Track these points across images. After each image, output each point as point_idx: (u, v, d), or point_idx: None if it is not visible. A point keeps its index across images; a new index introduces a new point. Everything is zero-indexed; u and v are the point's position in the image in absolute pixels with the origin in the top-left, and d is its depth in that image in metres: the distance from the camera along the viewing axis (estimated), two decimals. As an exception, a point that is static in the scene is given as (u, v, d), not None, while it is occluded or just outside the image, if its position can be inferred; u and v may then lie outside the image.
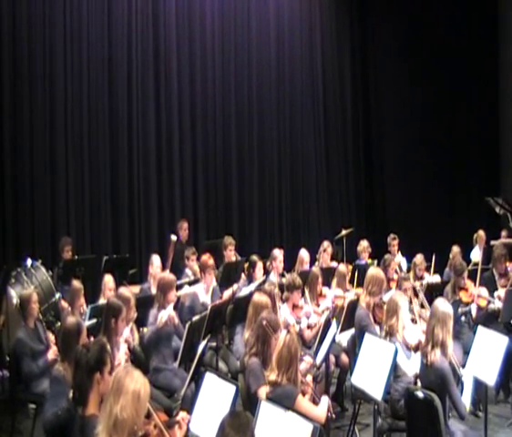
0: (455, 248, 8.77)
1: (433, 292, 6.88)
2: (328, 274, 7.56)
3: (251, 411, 3.61)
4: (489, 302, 6.69)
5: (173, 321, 5.53)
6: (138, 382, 3.07)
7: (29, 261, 6.92)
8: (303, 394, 4.23)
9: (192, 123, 10.72)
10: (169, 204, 10.42)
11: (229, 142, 11.16)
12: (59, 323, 6.24)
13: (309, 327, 6.20)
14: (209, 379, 3.87)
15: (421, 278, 8.00)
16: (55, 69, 9.27)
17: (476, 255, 9.43)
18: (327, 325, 5.24)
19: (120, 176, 9.86)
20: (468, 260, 8.98)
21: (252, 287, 6.89)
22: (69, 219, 9.32)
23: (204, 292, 6.80)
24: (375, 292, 5.91)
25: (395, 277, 7.64)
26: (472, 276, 6.90)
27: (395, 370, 4.79)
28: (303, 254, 8.16)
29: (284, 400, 3.88)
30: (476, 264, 7.65)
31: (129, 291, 5.60)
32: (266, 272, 7.63)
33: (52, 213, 9.20)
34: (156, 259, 7.41)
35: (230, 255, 8.41)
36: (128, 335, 5.19)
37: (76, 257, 8.06)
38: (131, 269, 8.53)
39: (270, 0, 11.64)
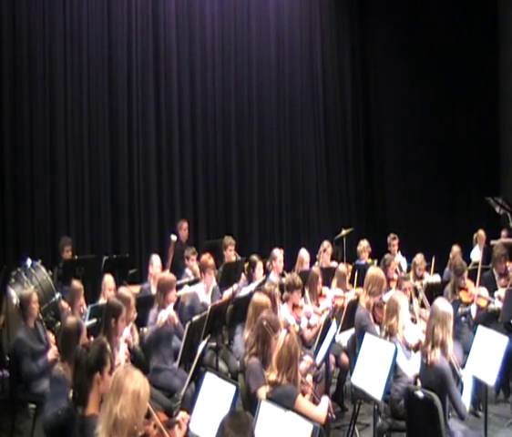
0: (456, 248, 8.77)
1: (433, 292, 6.87)
2: (328, 274, 7.56)
3: (251, 411, 3.61)
4: (489, 302, 6.69)
5: (173, 321, 5.53)
6: (137, 382, 3.07)
7: (29, 261, 6.92)
8: (303, 394, 4.23)
9: (192, 123, 10.72)
10: (169, 204, 10.42)
11: (229, 142, 11.16)
12: (59, 323, 6.24)
13: (309, 327, 6.20)
14: (209, 379, 3.87)
15: (421, 277, 7.99)
16: (55, 69, 9.27)
17: (476, 255, 9.43)
18: (327, 325, 5.24)
19: (120, 176, 9.87)
20: (468, 260, 8.98)
21: (252, 287, 6.89)
22: (69, 219, 9.33)
23: (204, 292, 6.80)
24: (375, 292, 5.91)
25: (395, 277, 7.64)
26: (472, 276, 6.90)
27: (395, 370, 4.79)
28: (303, 254, 8.16)
29: (284, 400, 3.87)
30: (476, 264, 7.65)
31: (129, 291, 5.60)
32: (266, 272, 7.63)
33: (52, 213, 9.20)
34: (156, 259, 7.41)
35: (230, 255, 8.41)
36: (128, 335, 5.19)
37: (76, 257, 8.06)
38: (131, 269, 8.53)
39: (270, 0, 11.65)
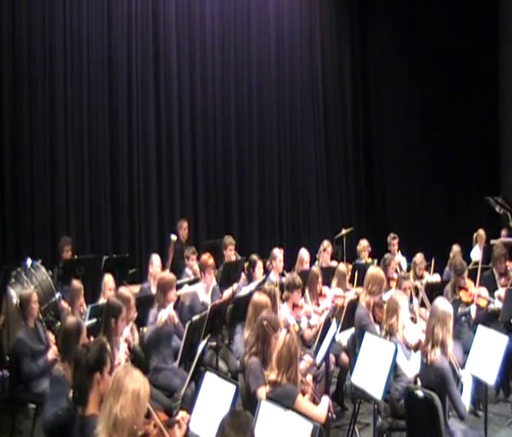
0: (456, 248, 8.76)
1: (433, 292, 6.88)
2: (328, 273, 7.56)
3: (251, 411, 3.61)
4: (489, 302, 6.69)
5: (173, 321, 5.53)
6: (137, 382, 3.07)
7: (29, 261, 6.91)
8: (303, 394, 4.23)
9: (192, 123, 10.72)
10: (169, 204, 10.42)
11: (229, 142, 11.16)
12: (59, 323, 6.24)
13: (309, 327, 6.20)
14: (209, 378, 3.87)
15: (421, 277, 7.99)
16: (55, 69, 9.27)
17: (476, 254, 9.43)
18: (327, 324, 5.24)
19: (120, 176, 9.86)
20: (468, 260, 8.98)
21: (252, 286, 6.89)
22: (69, 219, 9.33)
23: (204, 292, 6.80)
24: (375, 291, 5.92)
25: (395, 276, 7.64)
26: (472, 275, 6.89)
27: (395, 369, 4.79)
28: (303, 253, 8.16)
29: (284, 399, 3.88)
30: (476, 263, 7.65)
31: (129, 291, 5.60)
32: (266, 272, 7.63)
33: (52, 213, 9.20)
34: (156, 259, 7.41)
35: (230, 255, 8.41)
36: (128, 335, 5.19)
37: (76, 257, 8.05)
38: (131, 269, 8.53)
39: (270, 0, 11.65)
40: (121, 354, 4.89)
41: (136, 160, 10.03)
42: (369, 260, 8.86)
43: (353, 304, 5.96)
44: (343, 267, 7.52)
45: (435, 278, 8.13)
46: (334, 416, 4.57)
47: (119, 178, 9.85)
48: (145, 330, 5.77)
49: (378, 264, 8.21)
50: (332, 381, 6.01)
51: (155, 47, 10.28)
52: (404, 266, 9.07)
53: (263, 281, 6.97)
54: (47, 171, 9.16)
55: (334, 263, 8.47)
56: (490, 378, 4.84)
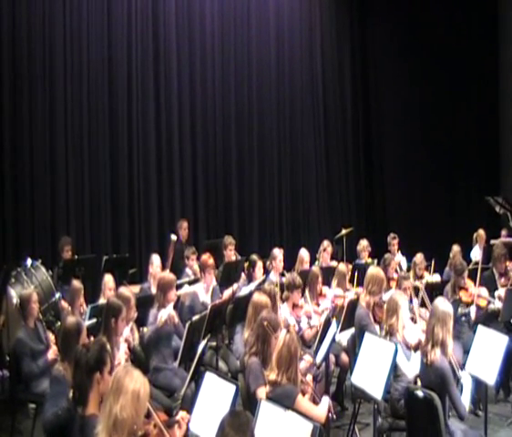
0: (456, 248, 8.76)
1: (433, 292, 6.88)
2: (328, 273, 7.55)
3: (251, 411, 3.61)
4: (489, 302, 6.69)
5: (173, 321, 5.53)
6: (137, 382, 3.07)
7: (29, 261, 6.92)
8: (303, 394, 4.23)
9: (192, 123, 10.72)
10: (169, 204, 10.42)
11: (229, 142, 11.16)
12: (59, 323, 6.24)
13: (309, 327, 6.20)
14: (209, 378, 3.87)
15: (421, 277, 7.99)
16: (55, 69, 9.27)
17: (476, 254, 9.44)
18: (327, 324, 5.24)
19: (120, 176, 9.87)
20: (468, 260, 8.98)
21: (252, 286, 6.89)
22: (69, 219, 9.33)
23: (204, 292, 6.80)
24: (375, 291, 5.92)
25: (395, 276, 7.63)
26: (472, 275, 6.90)
27: (395, 369, 4.79)
28: (303, 253, 8.16)
29: (284, 399, 3.88)
30: (477, 263, 7.65)
31: (129, 291, 5.60)
32: (266, 272, 7.63)
33: (52, 213, 9.20)
34: (156, 259, 7.41)
35: (230, 255, 8.41)
36: (128, 335, 5.19)
37: (76, 257, 8.05)
38: (131, 269, 8.53)
39: (270, 0, 11.65)
40: (121, 354, 4.89)
41: (136, 160, 10.03)
42: (369, 260, 8.86)
43: (353, 304, 5.96)
44: (343, 267, 7.52)
45: (435, 278, 8.13)
46: (334, 416, 4.57)
47: (119, 178, 9.85)
48: (145, 330, 5.77)
49: (378, 264, 8.21)
50: (332, 381, 6.01)
51: (155, 47, 10.28)
52: (404, 266, 9.07)
53: (263, 281, 6.97)
54: (47, 171, 9.17)
55: (334, 263, 8.47)
56: (490, 378, 4.84)
